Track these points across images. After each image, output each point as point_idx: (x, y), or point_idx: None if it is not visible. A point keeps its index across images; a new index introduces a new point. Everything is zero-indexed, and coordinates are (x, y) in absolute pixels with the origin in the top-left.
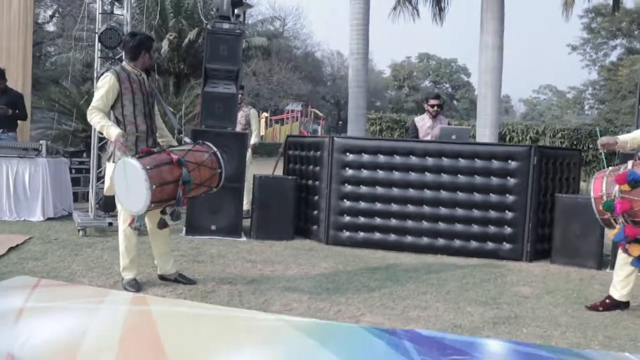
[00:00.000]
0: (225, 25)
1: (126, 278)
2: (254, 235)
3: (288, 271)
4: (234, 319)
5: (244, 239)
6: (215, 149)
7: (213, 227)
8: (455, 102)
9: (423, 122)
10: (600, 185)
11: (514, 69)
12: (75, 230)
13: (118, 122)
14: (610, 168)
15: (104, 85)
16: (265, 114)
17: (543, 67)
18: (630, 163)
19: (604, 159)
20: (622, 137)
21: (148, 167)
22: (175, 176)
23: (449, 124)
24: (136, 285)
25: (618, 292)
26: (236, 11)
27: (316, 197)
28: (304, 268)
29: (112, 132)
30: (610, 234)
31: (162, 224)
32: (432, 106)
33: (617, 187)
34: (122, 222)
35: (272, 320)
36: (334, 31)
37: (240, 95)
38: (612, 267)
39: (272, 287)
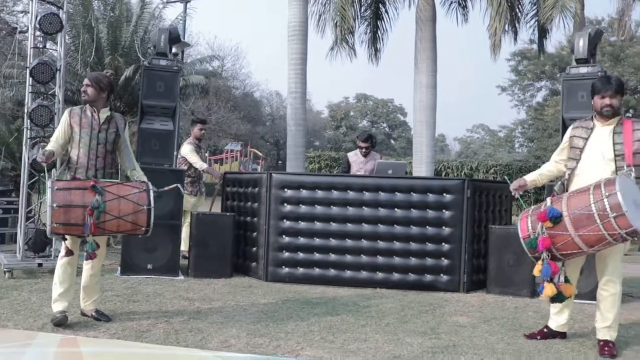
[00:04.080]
0: (163, 62)
1: (55, 310)
2: (191, 274)
3: (226, 308)
4: (170, 357)
5: (181, 277)
6: (150, 188)
7: (149, 266)
8: (392, 141)
9: (356, 157)
10: (525, 225)
11: (448, 109)
12: (1, 273)
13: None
14: (532, 207)
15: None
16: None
17: (476, 107)
18: (548, 200)
19: (521, 200)
20: (530, 177)
21: (56, 188)
22: (85, 201)
23: (381, 158)
24: (63, 318)
25: (555, 322)
26: (174, 49)
27: (254, 234)
28: (242, 305)
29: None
30: (534, 271)
31: (86, 256)
32: (361, 148)
33: (540, 225)
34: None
35: (210, 358)
36: (273, 72)
37: (202, 132)
38: None
39: (210, 324)
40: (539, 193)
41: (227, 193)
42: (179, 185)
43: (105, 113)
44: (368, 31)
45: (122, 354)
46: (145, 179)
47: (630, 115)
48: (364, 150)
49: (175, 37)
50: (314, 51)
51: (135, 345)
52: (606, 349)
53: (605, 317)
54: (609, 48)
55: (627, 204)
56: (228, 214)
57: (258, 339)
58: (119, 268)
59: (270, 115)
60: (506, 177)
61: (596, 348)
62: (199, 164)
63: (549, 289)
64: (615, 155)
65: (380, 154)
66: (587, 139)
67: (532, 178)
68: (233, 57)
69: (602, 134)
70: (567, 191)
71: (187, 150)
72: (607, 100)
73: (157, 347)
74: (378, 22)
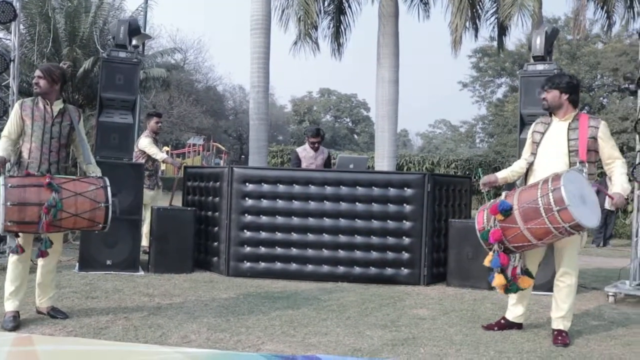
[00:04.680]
0: (122, 54)
1: (6, 310)
2: (152, 269)
3: (187, 304)
4: (128, 354)
5: (141, 273)
6: (107, 184)
7: (109, 262)
8: (355, 136)
9: (305, 152)
10: (482, 218)
11: (411, 105)
12: None
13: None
14: (491, 201)
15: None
16: (166, 148)
17: (438, 102)
18: (504, 194)
19: (486, 195)
20: (501, 174)
21: (9, 185)
22: (41, 199)
23: (329, 154)
24: (14, 321)
25: (512, 313)
26: (134, 41)
27: (216, 229)
28: (203, 300)
29: None
30: (485, 261)
31: (38, 254)
32: (313, 143)
33: (492, 217)
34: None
35: (169, 353)
36: (236, 66)
37: (159, 125)
38: None
39: (170, 320)
40: (499, 187)
41: (188, 187)
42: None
43: (58, 105)
44: (331, 26)
45: (79, 351)
46: (100, 174)
47: (586, 111)
48: (315, 145)
49: (135, 29)
50: (278, 45)
51: (93, 343)
52: (559, 338)
53: (560, 308)
54: (566, 46)
55: (571, 198)
56: (189, 208)
57: (219, 334)
58: (77, 264)
59: (233, 110)
60: (480, 170)
61: (550, 337)
62: (159, 155)
63: (498, 279)
64: (570, 151)
65: (327, 149)
66: (543, 134)
67: (503, 175)
68: (195, 50)
69: (558, 129)
70: (525, 185)
71: (145, 143)
72: (543, 95)
73: (116, 344)
74: (341, 17)
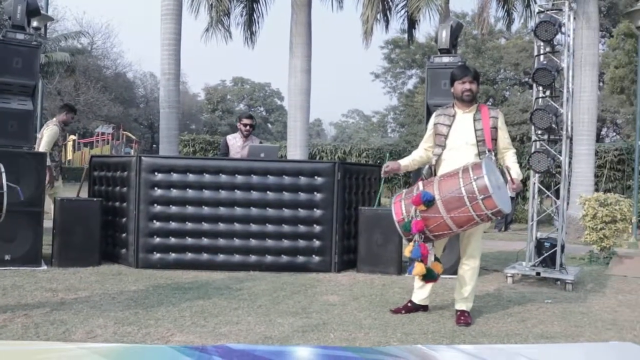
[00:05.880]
0: (20, 36)
1: None
2: (56, 263)
3: (93, 298)
4: (27, 353)
5: (44, 267)
6: (2, 170)
7: (7, 257)
8: (269, 125)
9: (235, 140)
10: (400, 209)
11: (325, 94)
12: None
13: None
14: (404, 190)
15: None
16: (72, 137)
17: (351, 92)
18: (420, 184)
19: (380, 183)
20: (403, 162)
21: None
22: None
23: (260, 143)
24: None
25: (418, 296)
26: (35, 23)
27: (124, 219)
28: (111, 293)
29: None
30: (405, 252)
31: None
32: (245, 125)
33: (414, 208)
34: None
35: (72, 350)
36: (147, 52)
37: (72, 119)
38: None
39: (75, 315)
40: (408, 176)
41: (95, 177)
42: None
43: None
44: (244, 14)
45: None
46: None
47: (490, 104)
48: (247, 127)
49: (34, 9)
50: (190, 32)
51: None
52: (462, 318)
53: (464, 289)
54: (472, 41)
55: (493, 186)
56: (95, 199)
57: (126, 327)
58: None
59: (144, 97)
60: (387, 153)
61: (454, 318)
62: (42, 148)
63: (418, 268)
64: (477, 141)
65: (258, 139)
66: (450, 126)
67: (405, 163)
68: (104, 35)
69: (464, 120)
70: (435, 175)
71: (49, 132)
72: (467, 85)
73: (14, 343)
74: (254, 5)
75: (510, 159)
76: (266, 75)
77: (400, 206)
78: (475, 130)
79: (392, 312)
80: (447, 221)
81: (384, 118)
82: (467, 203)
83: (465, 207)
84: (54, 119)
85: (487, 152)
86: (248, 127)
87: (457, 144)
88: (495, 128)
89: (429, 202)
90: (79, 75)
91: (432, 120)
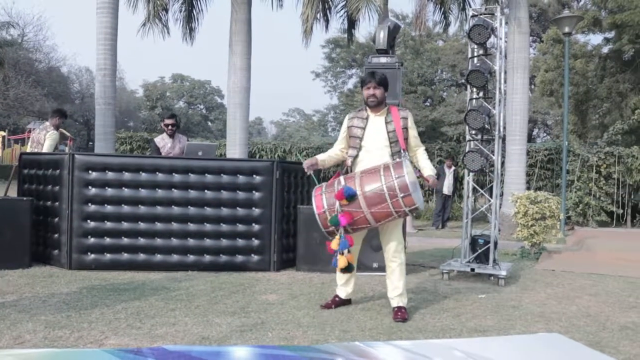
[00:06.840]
0: None
1: None
2: None
3: (22, 301)
4: None
5: None
6: None
7: None
8: (209, 123)
9: (164, 142)
10: (321, 202)
11: (266, 93)
12: None
13: None
14: (324, 184)
15: None
16: (2, 133)
17: (292, 91)
18: (342, 179)
19: (315, 178)
20: (320, 157)
21: None
22: None
23: (187, 140)
24: None
25: (344, 291)
26: None
27: (56, 219)
28: (41, 296)
29: None
30: (332, 245)
31: None
32: (167, 125)
33: (337, 202)
34: None
35: None
36: (82, 46)
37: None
38: None
39: (1, 320)
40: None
41: (25, 176)
42: None
43: None
44: (183, 9)
45: None
46: None
47: (428, 104)
48: (170, 127)
49: None
50: (128, 27)
51: None
52: (399, 314)
53: (396, 286)
54: (411, 42)
55: (412, 185)
56: (25, 198)
57: (57, 332)
58: None
59: (79, 93)
60: (299, 156)
61: (391, 314)
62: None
63: (342, 261)
64: (390, 142)
65: (187, 137)
66: (364, 129)
67: (323, 158)
68: (35, 27)
69: (377, 123)
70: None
71: (51, 136)
72: (371, 91)
73: None
74: (193, 2)
75: (421, 156)
76: (206, 73)
77: (321, 199)
78: (388, 132)
79: (323, 308)
80: (367, 216)
81: (325, 117)
82: (387, 200)
83: (386, 203)
84: (47, 122)
85: (401, 151)
86: (171, 127)
87: (373, 145)
88: (405, 128)
89: (351, 197)
90: (9, 69)
91: (346, 122)
